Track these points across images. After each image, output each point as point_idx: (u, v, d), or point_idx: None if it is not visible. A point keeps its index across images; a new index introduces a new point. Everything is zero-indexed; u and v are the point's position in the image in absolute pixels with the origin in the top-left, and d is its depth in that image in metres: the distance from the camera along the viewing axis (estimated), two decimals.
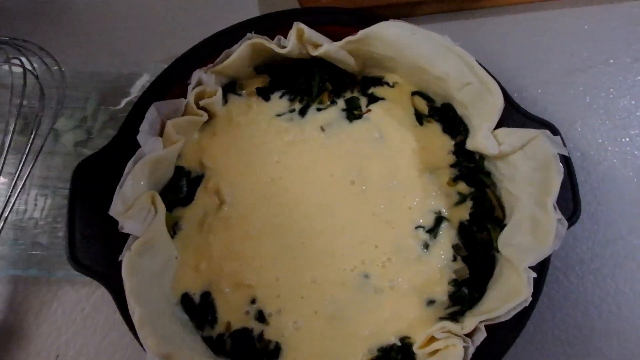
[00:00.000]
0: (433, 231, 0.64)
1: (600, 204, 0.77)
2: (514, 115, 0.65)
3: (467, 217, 0.65)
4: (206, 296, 0.61)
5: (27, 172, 0.70)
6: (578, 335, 0.71)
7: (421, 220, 0.65)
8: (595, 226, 0.76)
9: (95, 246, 0.59)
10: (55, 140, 0.75)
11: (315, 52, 0.66)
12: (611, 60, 0.85)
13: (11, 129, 0.70)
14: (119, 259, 0.55)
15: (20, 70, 0.70)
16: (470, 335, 0.56)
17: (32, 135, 0.70)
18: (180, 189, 0.65)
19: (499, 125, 0.63)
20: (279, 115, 0.69)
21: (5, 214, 0.68)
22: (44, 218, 0.72)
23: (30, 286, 0.71)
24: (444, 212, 0.65)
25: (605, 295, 0.72)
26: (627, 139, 0.81)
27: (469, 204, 0.66)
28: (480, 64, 0.63)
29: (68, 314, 0.70)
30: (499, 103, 0.62)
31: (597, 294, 0.73)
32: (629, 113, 0.82)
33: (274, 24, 0.67)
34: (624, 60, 0.85)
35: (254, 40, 0.64)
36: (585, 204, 0.76)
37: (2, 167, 0.70)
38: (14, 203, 0.69)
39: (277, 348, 0.60)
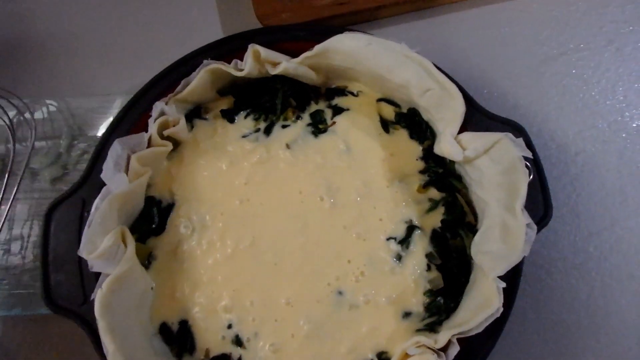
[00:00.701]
0: (405, 241, 0.64)
1: (580, 196, 0.76)
2: (477, 116, 0.65)
3: (439, 224, 0.65)
4: (184, 324, 0.62)
5: (6, 212, 0.71)
6: (565, 334, 0.70)
7: (392, 232, 0.65)
8: (576, 220, 0.75)
9: (69, 286, 0.60)
10: (32, 179, 0.76)
11: (274, 71, 0.66)
12: (582, 45, 0.83)
13: None
14: (91, 298, 0.56)
15: None
16: (444, 349, 0.56)
17: (7, 175, 0.72)
18: (152, 219, 0.65)
19: (464, 127, 0.63)
20: (244, 136, 0.69)
21: None
22: (27, 257, 0.73)
23: (17, 324, 0.72)
24: (415, 221, 0.65)
25: (591, 290, 0.72)
26: (606, 125, 0.79)
27: (440, 210, 0.66)
28: (439, 69, 0.63)
29: (55, 348, 0.71)
30: (460, 108, 0.62)
31: (583, 289, 0.72)
32: (606, 98, 0.81)
33: (232, 47, 0.68)
34: (597, 44, 0.83)
35: (211, 66, 0.65)
36: (565, 197, 0.76)
37: None
38: None
39: None
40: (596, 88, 0.81)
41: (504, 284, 0.55)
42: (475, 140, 0.61)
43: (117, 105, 0.77)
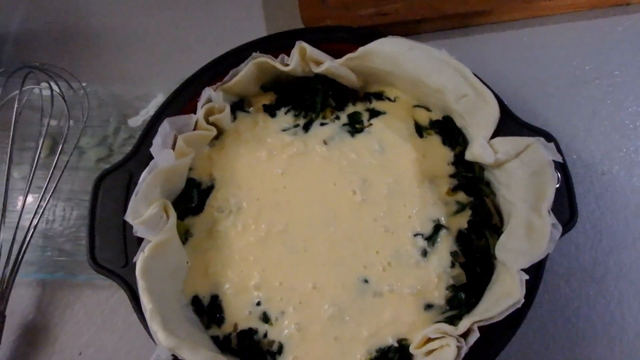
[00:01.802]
0: (431, 239, 0.67)
1: (604, 213, 0.78)
2: (510, 124, 0.67)
3: (465, 225, 0.67)
4: (214, 298, 0.65)
5: (54, 186, 0.76)
6: (580, 343, 0.71)
7: (420, 228, 0.67)
8: (598, 235, 0.76)
9: (113, 250, 0.63)
10: (79, 157, 0.81)
11: (317, 69, 0.70)
12: (617, 72, 0.86)
13: (40, 147, 0.76)
14: (134, 260, 0.59)
15: (48, 93, 0.76)
16: (464, 336, 0.58)
17: (59, 152, 0.76)
18: (191, 199, 0.69)
19: (496, 134, 0.65)
20: (283, 130, 0.73)
21: (35, 223, 0.74)
22: (69, 227, 0.78)
23: (56, 290, 0.77)
24: (443, 221, 0.67)
25: (608, 304, 0.73)
26: (633, 149, 0.82)
27: (467, 212, 0.68)
28: (476, 76, 0.66)
29: (89, 315, 0.75)
30: (494, 113, 0.65)
31: (600, 302, 0.73)
32: (635, 124, 0.83)
33: (278, 44, 0.72)
34: (630, 72, 0.86)
35: (259, 59, 0.69)
36: (589, 213, 0.77)
37: (32, 181, 0.75)
38: (42, 214, 0.75)
39: (280, 347, 0.63)
40: (626, 113, 0.84)
41: (526, 276, 0.57)
42: (507, 144, 0.64)
43: (162, 94, 0.82)
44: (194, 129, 0.68)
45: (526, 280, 0.57)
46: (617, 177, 0.80)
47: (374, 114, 0.74)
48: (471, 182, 0.70)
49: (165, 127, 0.65)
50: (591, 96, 0.85)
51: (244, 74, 0.69)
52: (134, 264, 0.59)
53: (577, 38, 0.88)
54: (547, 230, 0.58)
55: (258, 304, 0.64)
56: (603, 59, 0.87)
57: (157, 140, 0.64)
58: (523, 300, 0.56)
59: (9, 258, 0.73)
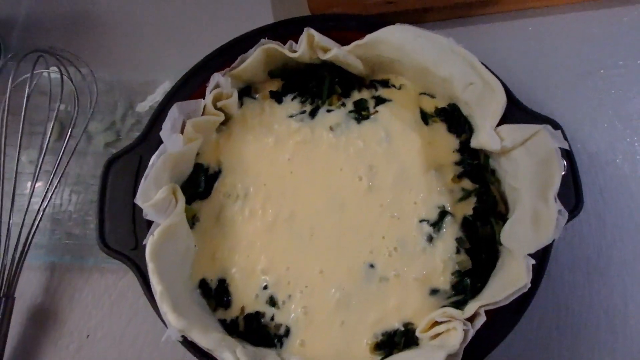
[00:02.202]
0: (437, 225, 0.67)
1: (607, 203, 0.78)
2: (517, 113, 0.67)
3: (470, 212, 0.68)
4: (222, 282, 0.66)
5: (62, 170, 0.76)
6: (583, 331, 0.72)
7: (425, 215, 0.68)
8: (602, 225, 0.77)
9: (122, 232, 0.64)
10: (87, 142, 0.82)
11: (325, 56, 0.70)
12: (621, 62, 0.86)
13: (49, 132, 0.77)
14: (143, 243, 0.60)
15: (58, 77, 0.77)
16: (471, 319, 0.58)
17: (67, 137, 0.77)
18: (198, 184, 0.70)
19: (502, 122, 0.66)
20: (290, 116, 0.73)
21: (43, 207, 0.74)
22: (77, 211, 0.79)
23: (65, 273, 0.77)
24: (448, 207, 0.68)
25: (611, 293, 0.73)
26: (637, 140, 0.82)
27: (472, 199, 0.69)
28: (483, 64, 0.66)
29: (97, 299, 0.76)
30: (501, 101, 0.65)
31: (604, 291, 0.74)
32: (639, 115, 0.84)
33: (286, 31, 0.72)
34: (635, 63, 0.86)
35: (267, 45, 0.69)
36: (593, 202, 0.78)
37: (41, 166, 0.76)
38: (50, 198, 0.75)
39: (287, 331, 0.63)
40: (631, 104, 0.84)
41: (533, 261, 0.57)
42: (514, 132, 0.64)
43: (170, 80, 0.82)
44: (202, 115, 0.69)
45: (532, 266, 0.58)
46: (621, 167, 0.80)
47: (380, 101, 0.74)
48: (476, 169, 0.70)
49: (174, 112, 0.65)
50: (596, 87, 0.85)
51: (252, 60, 0.70)
52: (144, 247, 0.60)
53: (582, 28, 0.88)
54: (554, 216, 0.58)
55: (265, 287, 0.65)
56: (608, 49, 0.87)
57: (166, 125, 0.64)
58: (530, 285, 0.56)
59: (18, 241, 0.73)
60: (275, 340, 0.63)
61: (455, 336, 0.57)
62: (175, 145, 0.64)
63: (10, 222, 0.74)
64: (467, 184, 0.70)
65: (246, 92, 0.75)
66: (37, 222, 0.74)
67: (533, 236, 0.59)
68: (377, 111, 0.73)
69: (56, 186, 0.76)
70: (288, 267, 0.66)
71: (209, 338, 0.56)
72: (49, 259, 0.77)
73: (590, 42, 0.88)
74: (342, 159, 0.71)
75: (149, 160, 0.63)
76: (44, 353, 0.74)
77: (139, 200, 0.60)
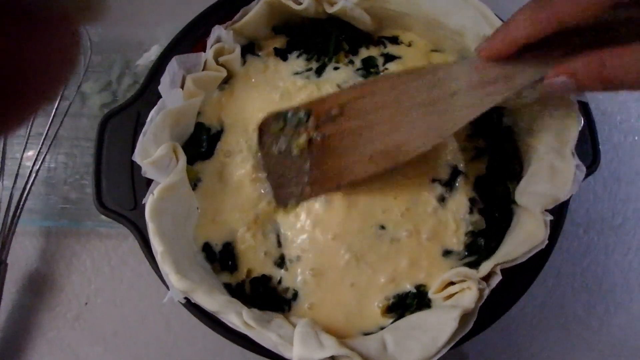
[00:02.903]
0: (449, 184, 0.65)
1: (622, 162, 0.76)
2: None
3: (483, 171, 0.65)
4: (227, 245, 0.63)
5: (55, 133, 0.73)
6: (598, 291, 0.70)
7: (437, 174, 0.65)
8: (616, 183, 0.75)
9: (120, 192, 0.61)
10: (82, 103, 0.78)
11: (331, 10, 0.67)
12: None
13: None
14: (143, 202, 0.57)
15: None
16: (486, 279, 0.56)
17: (59, 98, 0.73)
18: (200, 143, 0.66)
19: None
20: (296, 73, 0.70)
21: (36, 169, 0.71)
22: (73, 175, 0.76)
23: (61, 238, 0.74)
24: (461, 167, 0.65)
25: (627, 251, 0.72)
26: None
27: (486, 158, 0.66)
28: (497, 16, 0.64)
29: (96, 264, 0.73)
30: None
31: (619, 250, 0.72)
32: None
33: None
34: None
35: None
36: (607, 161, 0.76)
37: (31, 128, 0.73)
38: (42, 160, 0.72)
39: (295, 294, 0.61)
40: None
41: (551, 217, 0.55)
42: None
43: (168, 37, 0.77)
44: (203, 70, 0.65)
45: (549, 222, 0.55)
46: (635, 126, 0.78)
47: (389, 58, 0.71)
48: (490, 127, 0.67)
49: (174, 65, 0.62)
50: None
51: (255, 13, 0.66)
52: (143, 207, 0.57)
53: None
54: (571, 171, 0.56)
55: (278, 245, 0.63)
56: None
57: (165, 79, 0.61)
58: (547, 241, 0.54)
59: (9, 206, 0.70)
60: (284, 304, 0.61)
61: (470, 295, 0.55)
62: (175, 101, 0.61)
63: (1, 186, 0.71)
64: (480, 142, 0.67)
65: (249, 49, 0.71)
66: (29, 186, 0.71)
67: (550, 191, 0.57)
68: (386, 69, 0.70)
69: (49, 149, 0.73)
70: None
71: (214, 300, 0.53)
72: (44, 224, 0.74)
73: None
74: None
75: (147, 117, 0.60)
76: (41, 321, 0.72)
77: (137, 157, 0.57)
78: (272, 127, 0.63)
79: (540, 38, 0.48)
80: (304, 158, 0.62)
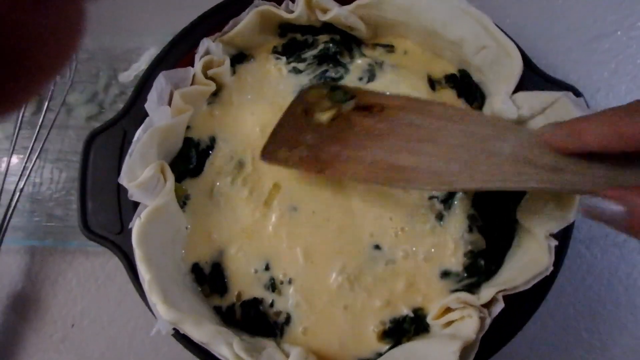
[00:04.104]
0: (447, 202, 0.62)
1: None
2: (534, 78, 0.62)
3: None
4: (216, 266, 0.61)
5: (41, 146, 0.70)
6: (601, 311, 0.68)
7: (435, 191, 0.63)
8: None
9: (106, 215, 0.59)
10: (68, 115, 0.75)
11: (324, 17, 0.64)
12: (638, 24, 0.81)
13: (24, 104, 0.71)
14: (129, 226, 0.55)
15: None
16: (487, 306, 0.54)
17: (45, 110, 0.71)
18: (189, 159, 0.64)
19: (518, 89, 0.60)
20: (288, 76, 0.67)
21: (20, 186, 0.69)
22: (59, 191, 0.73)
23: (47, 257, 0.72)
24: None
25: (632, 270, 0.70)
26: None
27: None
28: (498, 27, 0.61)
29: (83, 283, 0.71)
30: (517, 66, 0.60)
31: (622, 268, 0.70)
32: None
33: None
34: None
35: (262, 7, 0.63)
36: None
37: (16, 141, 0.70)
38: (28, 176, 0.70)
39: (288, 318, 0.59)
40: None
41: (555, 242, 0.53)
42: (532, 99, 0.59)
43: (156, 47, 0.76)
44: (192, 85, 0.63)
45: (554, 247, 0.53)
46: None
47: (383, 67, 0.68)
48: None
49: (161, 81, 0.60)
50: (612, 49, 0.80)
51: (245, 23, 0.64)
52: (130, 230, 0.55)
53: None
54: None
55: (266, 268, 0.60)
56: (624, 10, 0.82)
57: (152, 96, 0.59)
58: (552, 268, 0.52)
59: None
60: (276, 329, 0.59)
61: (471, 324, 0.52)
62: (163, 118, 0.58)
63: None
64: None
65: (239, 59, 0.69)
66: (14, 203, 0.68)
67: (555, 213, 0.54)
68: (381, 75, 0.67)
69: (34, 163, 0.70)
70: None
71: (203, 331, 0.51)
72: (29, 243, 0.72)
73: (604, 3, 0.82)
74: None
75: (134, 135, 0.57)
76: (26, 343, 0.69)
77: (123, 179, 0.55)
78: (313, 91, 0.62)
79: (617, 153, 0.41)
80: (319, 130, 0.60)
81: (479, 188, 0.52)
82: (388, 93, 0.61)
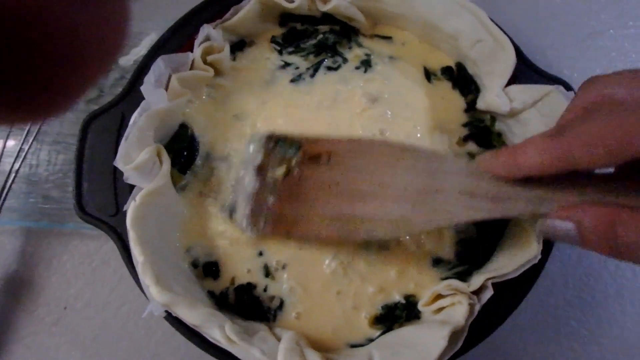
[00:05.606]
0: None
1: None
2: (527, 72, 0.64)
3: None
4: (211, 252, 0.61)
5: (38, 128, 0.71)
6: (591, 301, 0.69)
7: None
8: None
9: (102, 197, 0.59)
10: None
11: (324, 7, 0.65)
12: (630, 23, 0.82)
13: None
14: (124, 209, 0.55)
15: None
16: (477, 293, 0.55)
17: None
18: (184, 141, 0.64)
19: (511, 83, 0.61)
20: (286, 67, 0.68)
21: (16, 167, 0.69)
22: (55, 173, 0.73)
23: (42, 238, 0.72)
24: None
25: (621, 261, 0.70)
26: None
27: None
28: (493, 21, 0.62)
29: (77, 266, 0.71)
30: (511, 59, 0.61)
31: (611, 260, 0.71)
32: None
33: None
34: None
35: None
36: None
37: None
38: (24, 157, 0.70)
39: (281, 303, 0.60)
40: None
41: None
42: (524, 92, 0.60)
43: (156, 32, 0.76)
44: (191, 69, 0.63)
45: None
46: None
47: (381, 58, 0.69)
48: (483, 132, 0.66)
49: (159, 65, 0.60)
50: (605, 47, 0.81)
51: (247, 11, 0.64)
52: (125, 213, 0.55)
53: None
54: None
55: (260, 254, 0.61)
56: (617, 8, 0.83)
57: (149, 79, 0.59)
58: (540, 256, 0.53)
59: None
60: (268, 314, 0.59)
61: (461, 311, 0.53)
62: (159, 101, 0.59)
63: None
64: (472, 147, 0.65)
65: (239, 46, 0.69)
66: (9, 184, 0.68)
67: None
68: (378, 67, 0.68)
69: (31, 145, 0.70)
70: None
71: (196, 313, 0.52)
72: (24, 224, 0.72)
73: (600, 1, 0.83)
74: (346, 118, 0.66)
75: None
76: (18, 325, 0.69)
77: (119, 162, 0.55)
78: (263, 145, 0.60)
79: (550, 174, 0.42)
80: (275, 190, 0.58)
81: (437, 226, 0.52)
82: (333, 137, 0.60)
